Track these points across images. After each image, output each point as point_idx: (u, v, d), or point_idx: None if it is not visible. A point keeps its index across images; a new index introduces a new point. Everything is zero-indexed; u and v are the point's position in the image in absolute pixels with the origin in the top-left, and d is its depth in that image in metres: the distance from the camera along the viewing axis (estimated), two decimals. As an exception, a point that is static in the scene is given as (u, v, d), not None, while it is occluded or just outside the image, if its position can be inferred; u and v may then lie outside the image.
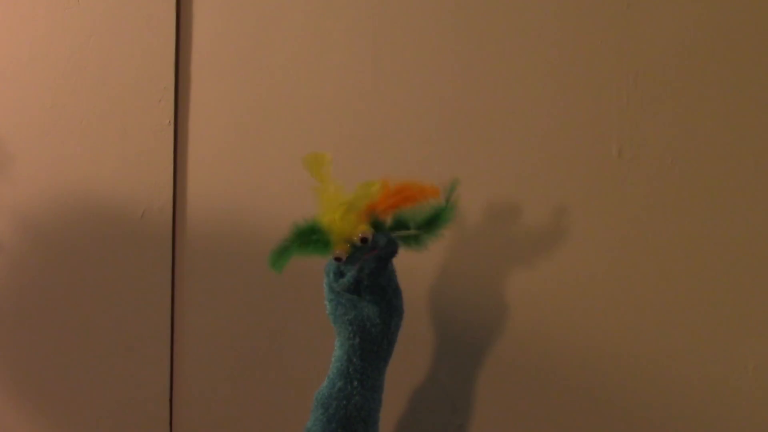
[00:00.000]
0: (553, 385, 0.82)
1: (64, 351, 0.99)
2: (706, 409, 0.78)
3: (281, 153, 0.92)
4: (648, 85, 0.81)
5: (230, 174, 0.94)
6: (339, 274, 0.72)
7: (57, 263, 0.99)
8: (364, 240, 0.70)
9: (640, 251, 0.80)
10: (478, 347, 0.86)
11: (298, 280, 0.92)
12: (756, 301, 0.77)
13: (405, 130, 0.88)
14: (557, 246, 0.83)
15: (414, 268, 0.81)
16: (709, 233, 0.79)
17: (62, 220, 0.98)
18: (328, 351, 0.90)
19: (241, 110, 0.94)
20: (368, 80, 0.89)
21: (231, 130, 0.94)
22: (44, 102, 0.99)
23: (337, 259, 0.71)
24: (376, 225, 0.72)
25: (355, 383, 0.71)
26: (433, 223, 0.73)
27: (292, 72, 0.92)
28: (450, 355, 0.86)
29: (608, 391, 0.81)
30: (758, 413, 0.77)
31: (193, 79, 0.96)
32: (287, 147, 0.92)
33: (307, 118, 0.92)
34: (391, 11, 0.89)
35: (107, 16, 0.97)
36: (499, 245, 0.84)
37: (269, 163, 0.93)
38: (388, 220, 0.73)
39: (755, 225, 0.77)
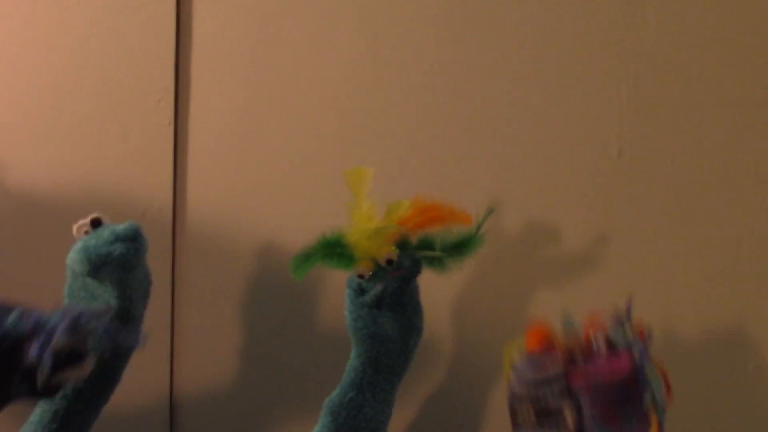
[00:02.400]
0: (553, 385, 0.82)
1: (64, 351, 0.99)
2: (706, 409, 0.78)
3: (281, 153, 0.93)
4: (648, 85, 0.81)
5: (230, 174, 0.94)
6: (360, 290, 0.72)
7: (56, 263, 0.99)
8: (389, 261, 0.71)
9: (639, 251, 0.81)
10: (478, 347, 0.86)
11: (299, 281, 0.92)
12: (756, 300, 0.77)
13: (406, 131, 0.88)
14: (557, 245, 0.83)
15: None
16: (709, 233, 0.79)
17: (62, 220, 0.98)
18: (328, 351, 0.90)
19: (241, 110, 0.94)
20: (369, 80, 0.89)
21: (231, 130, 0.94)
22: (44, 102, 0.99)
23: (360, 276, 0.72)
24: (402, 244, 0.73)
25: (367, 395, 0.71)
26: (459, 248, 0.74)
27: (293, 72, 0.92)
28: (450, 354, 0.86)
29: (608, 391, 0.81)
30: (758, 413, 0.77)
31: (193, 79, 0.96)
32: (287, 147, 0.92)
33: (308, 118, 0.92)
34: (393, 12, 0.89)
35: (107, 16, 0.97)
36: (497, 245, 0.84)
37: (269, 163, 0.93)
38: (414, 239, 0.73)
39: (755, 224, 0.77)
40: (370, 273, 0.72)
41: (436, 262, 0.74)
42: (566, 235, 0.83)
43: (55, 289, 0.99)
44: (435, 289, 0.79)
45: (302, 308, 0.92)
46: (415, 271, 0.72)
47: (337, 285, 0.89)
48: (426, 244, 0.74)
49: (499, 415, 0.84)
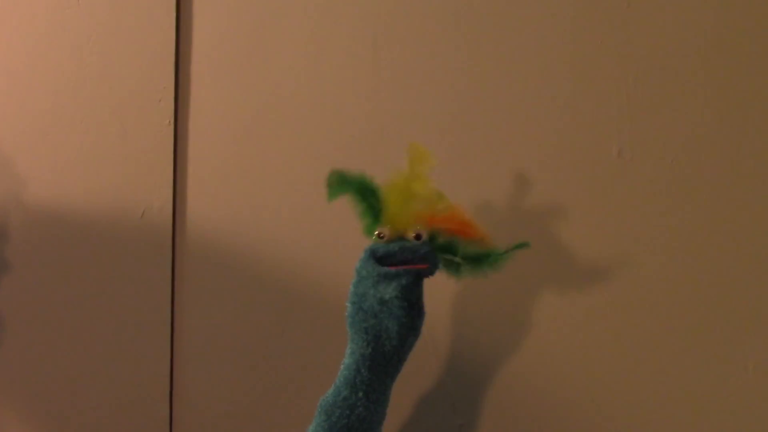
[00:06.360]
0: (553, 385, 0.82)
1: (63, 351, 0.99)
2: (706, 409, 0.78)
3: (281, 153, 0.93)
4: (648, 85, 0.81)
5: (230, 174, 0.94)
6: (371, 252, 0.73)
7: (56, 263, 0.99)
8: (417, 237, 0.73)
9: (639, 251, 0.81)
10: (478, 347, 0.86)
11: (299, 280, 0.92)
12: (756, 301, 0.77)
13: (406, 132, 0.88)
14: (557, 246, 0.83)
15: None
16: (709, 233, 0.79)
17: (62, 220, 0.99)
18: (328, 351, 0.90)
19: (242, 110, 0.94)
20: (369, 81, 0.89)
21: (231, 131, 0.94)
22: (44, 102, 0.99)
23: (380, 236, 0.73)
24: (430, 237, 0.74)
25: (360, 394, 0.71)
26: (479, 261, 0.75)
27: (293, 72, 0.92)
28: (451, 354, 0.86)
29: (607, 389, 0.81)
30: (758, 413, 0.77)
31: (193, 79, 0.96)
32: (287, 147, 0.92)
33: (308, 118, 0.92)
34: (394, 12, 0.89)
35: (107, 16, 0.97)
36: (496, 244, 0.84)
37: (269, 163, 0.93)
38: (440, 239, 0.75)
39: (755, 224, 0.77)
40: (390, 239, 0.73)
41: (452, 267, 0.75)
42: (566, 235, 0.83)
43: (53, 283, 1.00)
44: (434, 289, 0.79)
45: (302, 308, 0.92)
46: (433, 269, 0.73)
47: (336, 285, 0.89)
48: (448, 248, 0.75)
49: (500, 415, 0.84)
